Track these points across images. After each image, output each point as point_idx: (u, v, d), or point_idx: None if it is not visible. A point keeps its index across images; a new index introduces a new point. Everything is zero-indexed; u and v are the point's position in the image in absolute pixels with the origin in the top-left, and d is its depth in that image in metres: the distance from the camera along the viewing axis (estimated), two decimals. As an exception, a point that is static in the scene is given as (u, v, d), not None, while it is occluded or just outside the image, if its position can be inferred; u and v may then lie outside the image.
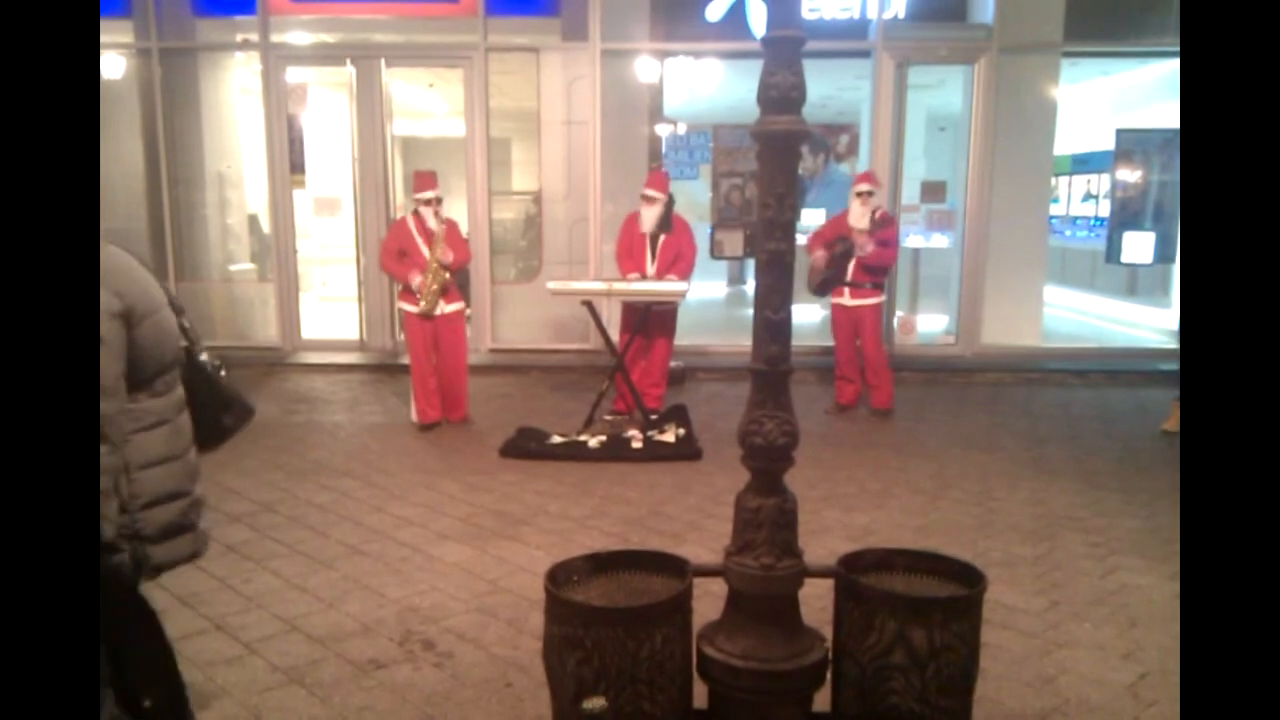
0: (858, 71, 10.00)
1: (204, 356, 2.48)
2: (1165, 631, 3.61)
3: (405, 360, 8.89)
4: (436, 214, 6.51)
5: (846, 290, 7.06)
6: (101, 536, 1.90)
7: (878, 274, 7.07)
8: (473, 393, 7.01)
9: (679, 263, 6.90)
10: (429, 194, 6.51)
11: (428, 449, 6.26)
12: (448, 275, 6.48)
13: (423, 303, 6.46)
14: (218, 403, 2.51)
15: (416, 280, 6.42)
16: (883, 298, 7.23)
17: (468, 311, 7.01)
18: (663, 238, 6.91)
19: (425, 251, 6.47)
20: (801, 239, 8.79)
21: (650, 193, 6.89)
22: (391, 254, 6.61)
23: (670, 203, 6.96)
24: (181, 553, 2.32)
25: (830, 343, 7.35)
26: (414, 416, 6.77)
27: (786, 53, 2.13)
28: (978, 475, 5.68)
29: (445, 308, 6.56)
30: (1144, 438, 6.66)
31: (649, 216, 6.89)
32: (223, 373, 2.52)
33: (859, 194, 7.00)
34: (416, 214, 6.57)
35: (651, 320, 6.81)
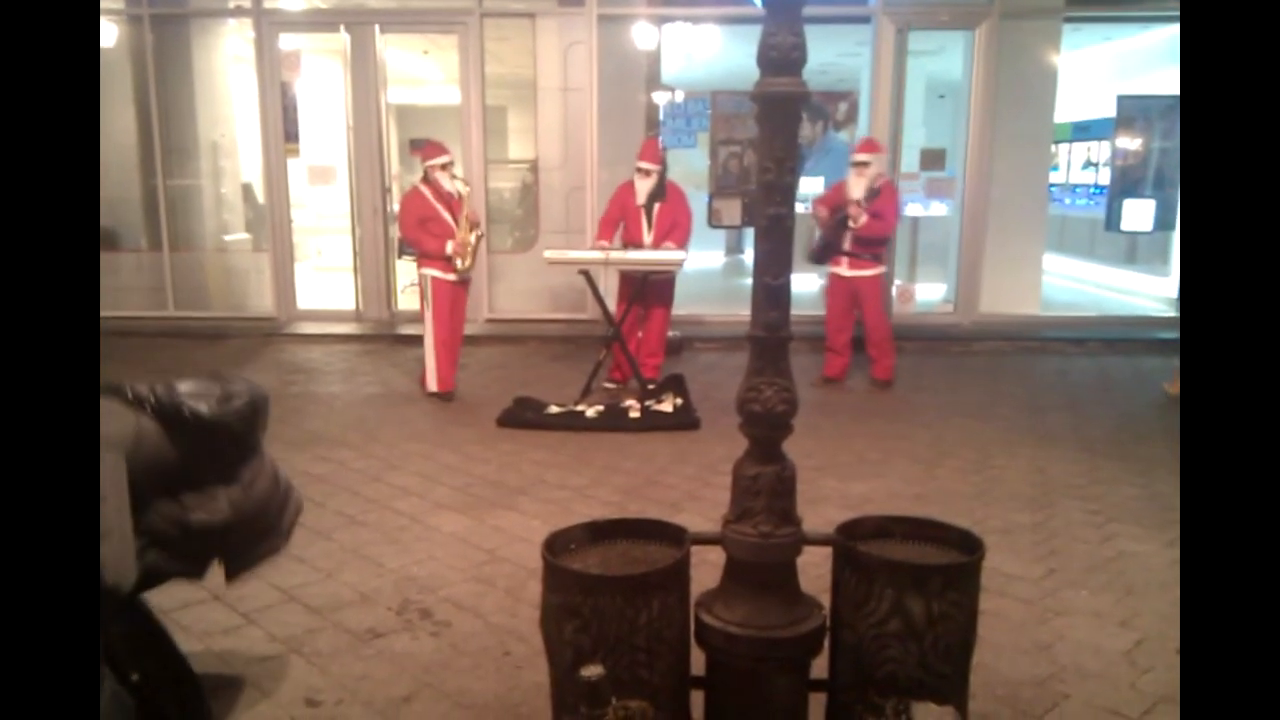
0: (857, 37, 9.88)
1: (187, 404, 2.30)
2: (1162, 598, 3.62)
3: (403, 330, 8.92)
4: (454, 177, 6.60)
5: (845, 260, 7.00)
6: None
7: (874, 245, 6.94)
8: (469, 363, 6.98)
9: (675, 231, 6.85)
10: (445, 159, 6.56)
11: (425, 419, 6.25)
12: (477, 238, 6.60)
13: (460, 264, 6.51)
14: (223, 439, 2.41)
15: (451, 246, 6.46)
16: (882, 269, 7.13)
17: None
18: (657, 206, 6.86)
19: (447, 216, 6.49)
20: (801, 208, 8.71)
21: (645, 165, 6.83)
22: (414, 224, 6.57)
23: (663, 170, 6.91)
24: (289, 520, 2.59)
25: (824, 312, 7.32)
26: (432, 385, 6.68)
27: (787, 12, 2.09)
28: (976, 444, 5.68)
29: (469, 274, 6.68)
30: (1142, 406, 6.66)
31: (644, 189, 6.83)
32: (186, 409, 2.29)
33: (855, 164, 6.93)
34: (428, 181, 6.55)
35: (649, 290, 6.77)
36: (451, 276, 6.54)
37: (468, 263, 6.55)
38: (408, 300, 9.62)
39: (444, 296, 6.59)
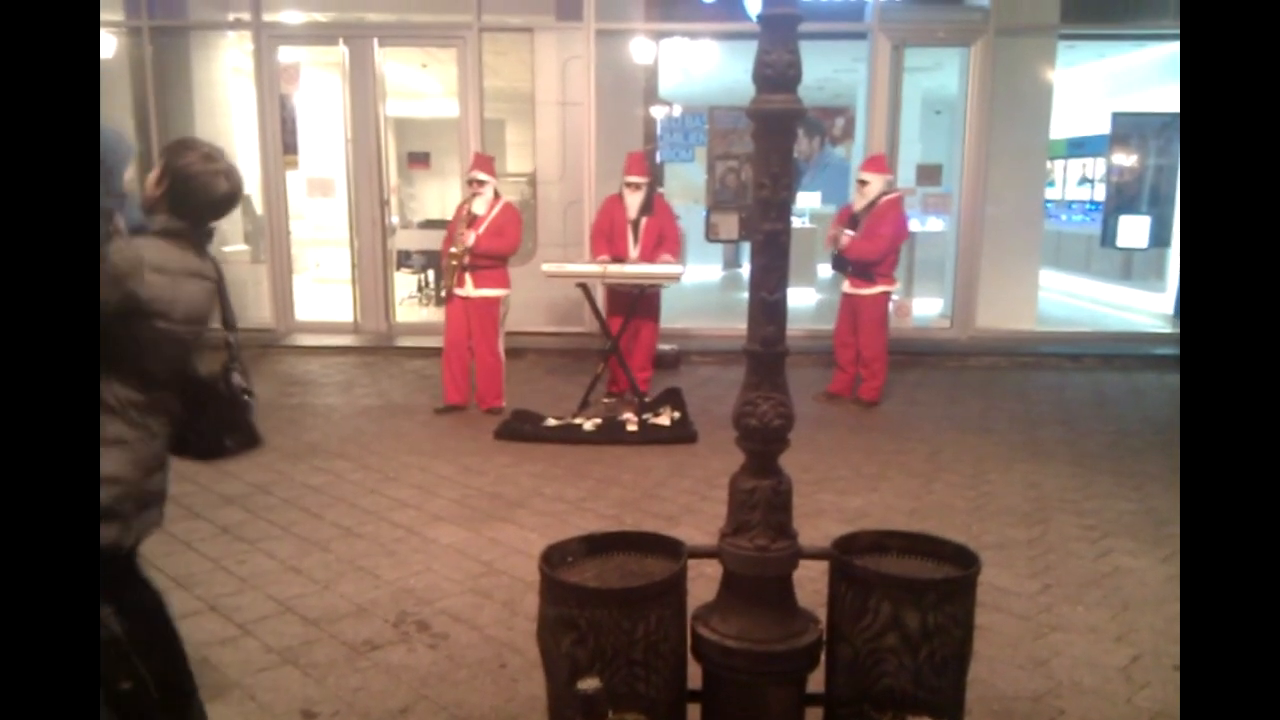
0: (854, 54, 9.96)
1: (237, 379, 2.56)
2: (1158, 614, 3.63)
3: (401, 343, 8.95)
4: (476, 195, 6.44)
5: (848, 277, 7.00)
6: None
7: (866, 265, 6.79)
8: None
9: (665, 243, 6.85)
10: (469, 175, 6.50)
11: (423, 431, 6.25)
12: (455, 252, 6.35)
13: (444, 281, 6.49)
14: (226, 421, 2.57)
15: (445, 261, 6.44)
16: (880, 288, 6.86)
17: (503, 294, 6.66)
18: (644, 220, 6.85)
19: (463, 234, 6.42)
20: (797, 221, 8.69)
21: (635, 179, 6.81)
22: (448, 236, 6.59)
23: (652, 184, 6.91)
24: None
25: (824, 326, 7.33)
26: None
27: (782, 30, 2.11)
28: (971, 458, 5.69)
29: (473, 291, 6.45)
30: (1138, 421, 6.67)
31: (634, 203, 6.83)
32: (248, 398, 2.60)
33: (857, 180, 6.95)
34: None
35: (638, 303, 6.76)
36: (458, 291, 6.47)
37: (447, 282, 6.47)
38: (406, 313, 9.65)
39: (447, 310, 6.61)
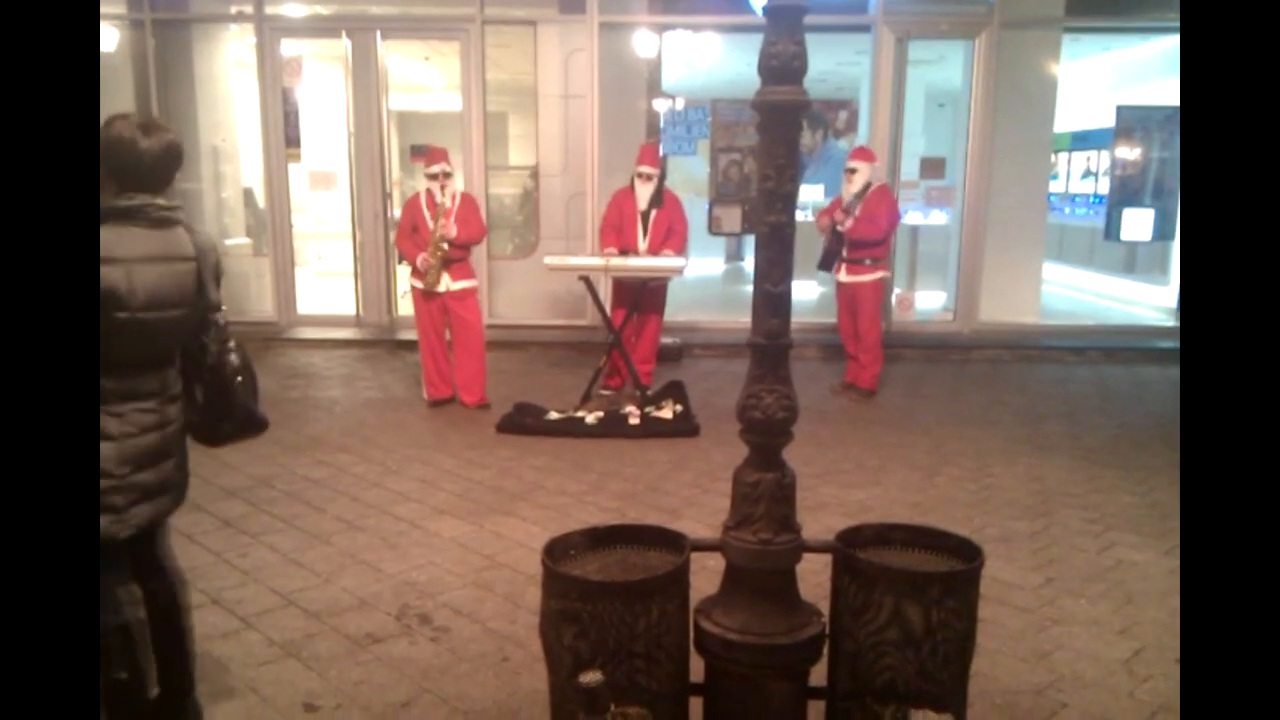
0: (857, 46, 9.92)
1: (233, 358, 2.51)
2: (1161, 607, 3.62)
3: (403, 335, 8.94)
4: (444, 188, 6.34)
5: (843, 267, 7.02)
6: None
7: (867, 248, 6.90)
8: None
9: (672, 238, 6.85)
10: (435, 168, 6.37)
11: (425, 424, 6.25)
12: (445, 248, 6.27)
13: (422, 282, 6.38)
14: (221, 407, 2.53)
15: (420, 257, 6.32)
16: (880, 274, 7.04)
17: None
18: (654, 213, 6.86)
19: (432, 227, 6.28)
20: (801, 216, 8.69)
21: (646, 169, 6.82)
22: (404, 231, 6.51)
23: (662, 175, 6.91)
24: None
25: (827, 319, 7.32)
26: (424, 392, 6.71)
27: (788, 22, 2.10)
28: (974, 452, 5.68)
29: (451, 284, 6.38)
30: (1141, 415, 6.66)
31: (644, 194, 6.83)
32: (239, 379, 2.53)
33: (845, 170, 7.01)
34: (430, 190, 6.42)
35: (644, 296, 6.76)
36: (439, 287, 6.37)
37: (426, 282, 6.33)
38: (407, 305, 9.63)
39: (419, 307, 6.52)
